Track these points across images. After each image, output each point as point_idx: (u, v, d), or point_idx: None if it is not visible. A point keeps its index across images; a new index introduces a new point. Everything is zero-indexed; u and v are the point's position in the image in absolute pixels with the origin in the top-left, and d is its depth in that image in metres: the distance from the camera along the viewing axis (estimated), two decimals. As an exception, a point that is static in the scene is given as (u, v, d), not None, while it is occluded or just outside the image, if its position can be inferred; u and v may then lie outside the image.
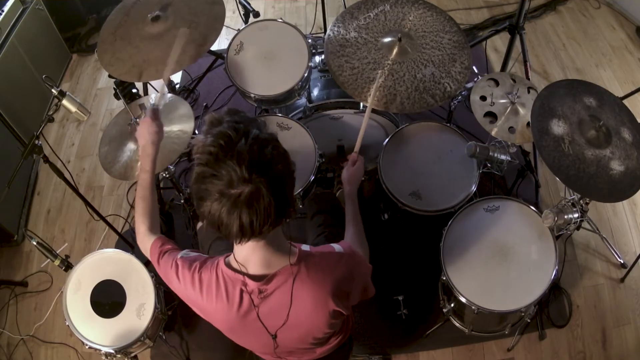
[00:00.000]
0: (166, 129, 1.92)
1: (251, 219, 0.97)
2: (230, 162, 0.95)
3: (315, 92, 2.31)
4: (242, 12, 2.57)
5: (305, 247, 1.22)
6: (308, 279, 1.15)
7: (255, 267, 1.14)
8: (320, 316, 1.20)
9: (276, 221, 1.02)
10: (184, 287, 1.21)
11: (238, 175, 0.94)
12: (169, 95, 2.08)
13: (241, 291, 1.15)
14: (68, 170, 2.14)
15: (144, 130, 1.49)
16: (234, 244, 1.10)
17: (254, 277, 1.14)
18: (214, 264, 1.19)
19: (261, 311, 1.17)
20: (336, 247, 1.25)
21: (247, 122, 1.01)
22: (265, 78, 2.11)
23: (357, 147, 1.64)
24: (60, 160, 2.15)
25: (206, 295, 1.18)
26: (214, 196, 0.97)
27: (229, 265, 1.17)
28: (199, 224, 2.00)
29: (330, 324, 1.23)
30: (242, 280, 1.14)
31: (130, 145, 1.94)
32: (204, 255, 1.26)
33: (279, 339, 1.25)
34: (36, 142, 1.82)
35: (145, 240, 1.37)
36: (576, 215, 1.72)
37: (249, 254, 1.13)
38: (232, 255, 1.17)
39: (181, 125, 1.96)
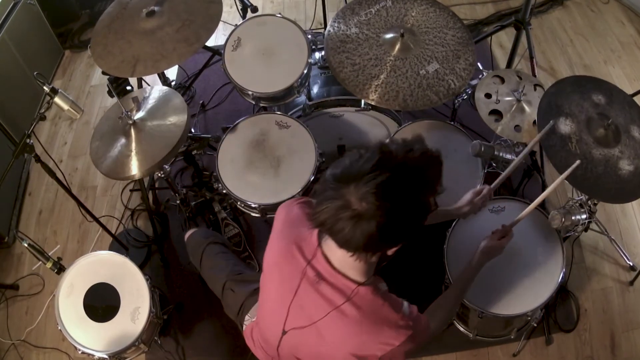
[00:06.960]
0: (159, 122, 1.85)
1: (346, 235, 0.97)
2: (366, 176, 0.94)
3: (315, 90, 2.28)
4: (239, 7, 2.54)
5: (383, 287, 1.16)
6: (346, 317, 1.10)
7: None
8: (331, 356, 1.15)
9: (367, 248, 1.00)
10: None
11: (360, 192, 0.93)
12: (165, 88, 2.00)
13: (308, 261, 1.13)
14: (60, 170, 2.12)
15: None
16: None
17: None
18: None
19: (297, 295, 1.14)
20: (405, 308, 1.17)
21: (418, 151, 1.04)
22: (264, 75, 2.08)
23: (516, 222, 1.53)
24: (52, 159, 2.12)
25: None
26: (329, 198, 0.97)
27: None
28: (188, 232, 1.95)
29: None
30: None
31: (121, 140, 1.86)
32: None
33: (284, 341, 1.21)
34: (27, 140, 1.80)
35: None
36: (584, 216, 1.71)
37: (336, 251, 1.08)
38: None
39: (174, 117, 1.86)
